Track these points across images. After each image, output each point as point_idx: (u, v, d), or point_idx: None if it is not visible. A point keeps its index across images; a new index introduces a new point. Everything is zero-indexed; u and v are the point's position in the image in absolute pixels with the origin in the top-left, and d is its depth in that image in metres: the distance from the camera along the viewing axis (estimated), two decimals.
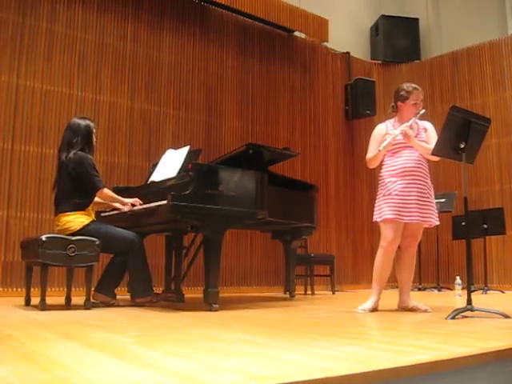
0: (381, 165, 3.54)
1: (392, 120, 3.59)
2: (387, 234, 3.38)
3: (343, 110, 7.68)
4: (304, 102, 7.20)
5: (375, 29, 8.29)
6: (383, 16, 8.15)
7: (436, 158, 3.41)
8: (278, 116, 6.88)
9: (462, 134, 2.98)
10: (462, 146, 2.99)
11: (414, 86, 3.51)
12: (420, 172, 3.40)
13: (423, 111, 3.44)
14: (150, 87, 5.81)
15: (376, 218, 3.45)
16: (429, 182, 3.46)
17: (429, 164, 3.50)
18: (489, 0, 7.87)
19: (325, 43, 7.46)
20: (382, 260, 3.42)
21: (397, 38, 8.10)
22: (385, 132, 3.52)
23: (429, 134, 3.49)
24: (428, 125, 3.56)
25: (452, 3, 8.21)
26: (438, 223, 3.47)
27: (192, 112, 6.09)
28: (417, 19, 8.22)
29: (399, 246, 3.49)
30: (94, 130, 3.77)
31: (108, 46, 5.56)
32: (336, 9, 7.82)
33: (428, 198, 3.41)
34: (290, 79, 7.10)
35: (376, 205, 3.49)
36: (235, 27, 6.62)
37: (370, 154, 3.54)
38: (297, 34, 7.22)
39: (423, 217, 3.36)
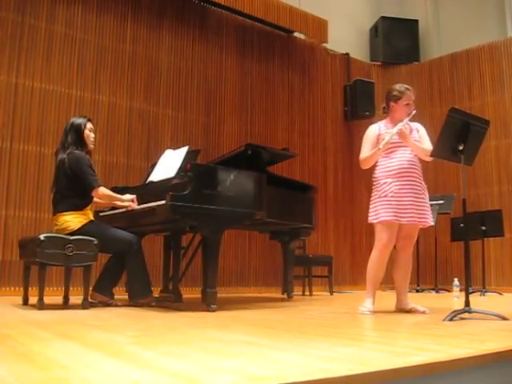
0: (374, 166, 3.54)
1: (384, 121, 3.59)
2: (383, 236, 3.37)
3: (342, 111, 7.69)
4: (303, 103, 7.21)
5: (375, 30, 8.30)
6: (383, 17, 8.16)
7: (429, 159, 3.41)
8: (276, 117, 6.88)
9: (461, 135, 2.99)
10: (461, 147, 2.99)
11: (406, 86, 3.53)
12: (414, 173, 3.41)
13: (414, 111, 3.45)
14: (149, 88, 5.81)
15: (372, 219, 3.44)
16: (423, 182, 3.46)
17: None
18: (488, 2, 7.88)
19: (324, 44, 7.47)
20: (376, 262, 3.42)
21: (396, 39, 8.11)
22: (378, 132, 3.50)
23: (421, 135, 3.51)
24: (419, 126, 3.57)
25: (451, 5, 8.22)
26: (433, 224, 3.48)
27: (191, 112, 6.09)
28: (416, 21, 8.24)
29: (395, 247, 3.50)
30: (89, 126, 3.70)
31: (107, 47, 5.56)
32: (336, 10, 7.83)
33: (423, 198, 3.41)
34: (289, 80, 7.10)
35: (371, 206, 3.47)
36: (235, 28, 6.62)
37: (364, 154, 3.52)
38: (296, 34, 7.23)
39: (419, 217, 3.37)
